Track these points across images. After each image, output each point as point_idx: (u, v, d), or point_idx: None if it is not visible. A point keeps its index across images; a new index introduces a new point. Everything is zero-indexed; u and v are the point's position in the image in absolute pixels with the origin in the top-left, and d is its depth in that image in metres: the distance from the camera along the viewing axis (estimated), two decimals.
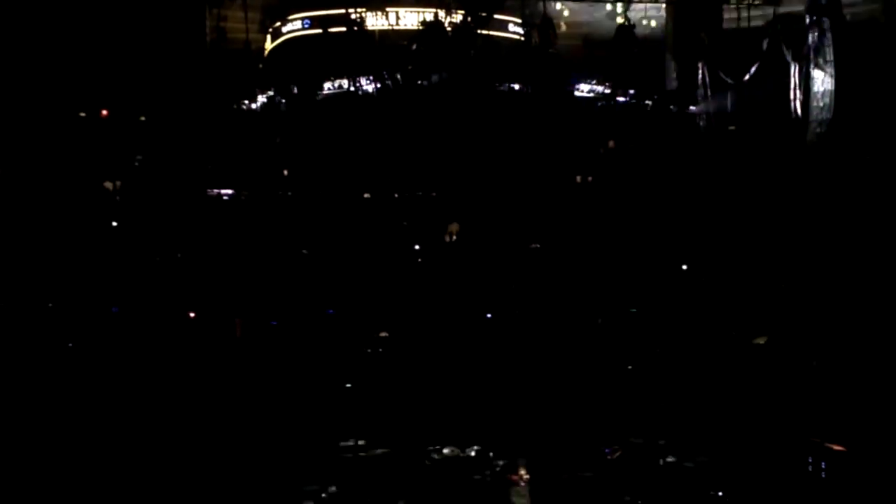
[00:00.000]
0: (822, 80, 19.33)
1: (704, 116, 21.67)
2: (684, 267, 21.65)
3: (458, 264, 21.63)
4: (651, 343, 20.94)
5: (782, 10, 22.76)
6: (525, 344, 21.43)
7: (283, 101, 21.69)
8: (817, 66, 19.24)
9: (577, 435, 18.77)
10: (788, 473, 17.36)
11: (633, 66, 22.19)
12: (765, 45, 20.28)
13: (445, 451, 17.31)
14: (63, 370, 19.54)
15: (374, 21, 25.62)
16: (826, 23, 19.01)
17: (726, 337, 20.68)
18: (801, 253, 19.62)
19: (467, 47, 22.98)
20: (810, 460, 17.16)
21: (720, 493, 17.30)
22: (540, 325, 21.60)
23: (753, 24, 23.51)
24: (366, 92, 21.92)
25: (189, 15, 23.95)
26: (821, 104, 19.56)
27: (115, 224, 22.14)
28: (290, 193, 21.80)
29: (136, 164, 22.29)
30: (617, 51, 22.23)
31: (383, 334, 21.46)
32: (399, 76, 22.07)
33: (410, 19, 25.70)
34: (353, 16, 25.09)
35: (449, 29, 24.75)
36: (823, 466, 16.94)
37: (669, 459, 17.45)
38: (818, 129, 19.65)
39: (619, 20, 23.10)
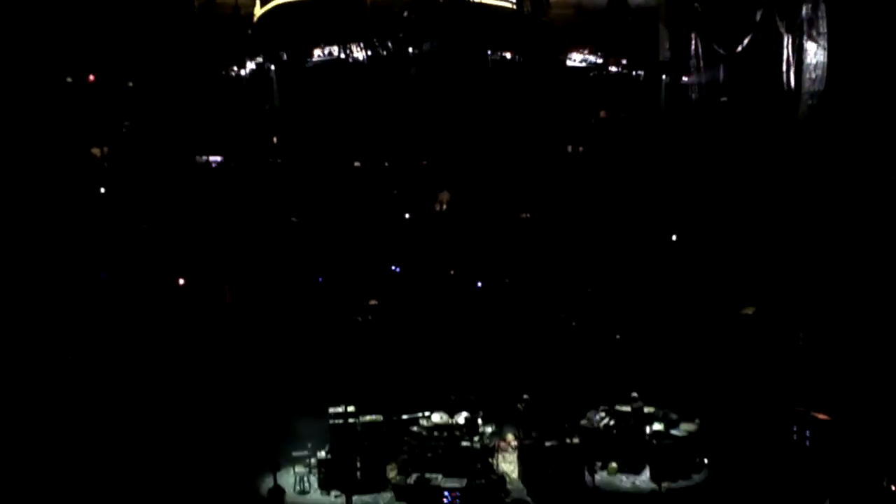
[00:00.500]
0: (814, 53, 19.29)
1: (697, 87, 21.59)
2: (674, 237, 21.70)
3: (449, 233, 21.61)
4: (640, 312, 21.05)
5: None
6: (515, 312, 21.54)
7: (273, 67, 21.44)
8: (810, 37, 19.20)
9: (565, 402, 18.94)
10: (774, 441, 17.61)
11: (626, 35, 22.08)
12: (758, 17, 20.17)
13: (435, 417, 17.43)
14: (51, 336, 19.55)
15: None
16: None
17: (715, 307, 20.80)
18: (791, 225, 19.70)
19: (459, 15, 22.76)
20: (795, 429, 17.42)
21: (706, 460, 17.58)
22: (529, 294, 21.67)
23: None
24: (356, 60, 21.69)
25: None
26: (813, 76, 19.53)
27: (102, 190, 21.97)
28: (279, 161, 21.67)
29: (124, 130, 22.08)
30: (610, 20, 22.08)
31: (373, 302, 21.48)
32: (390, 44, 21.87)
33: None
34: None
35: None
36: (808, 434, 17.21)
37: (657, 427, 17.66)
38: (810, 101, 19.65)
39: None
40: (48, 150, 20.67)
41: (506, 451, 18.16)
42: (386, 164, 21.11)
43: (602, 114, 22.28)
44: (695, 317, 20.72)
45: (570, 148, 22.45)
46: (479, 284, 21.77)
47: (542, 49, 22.18)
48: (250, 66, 21.82)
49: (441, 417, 17.37)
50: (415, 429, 17.28)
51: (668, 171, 21.14)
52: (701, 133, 21.14)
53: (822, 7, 18.98)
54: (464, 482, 15.83)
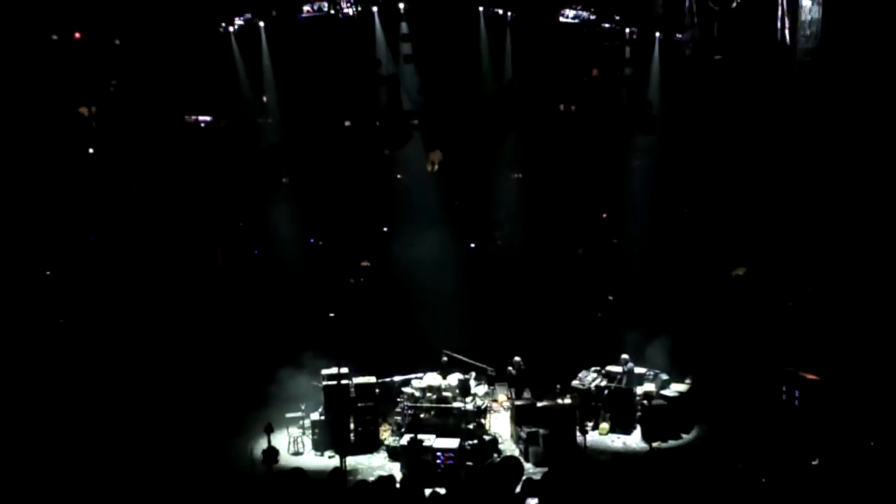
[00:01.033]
0: (809, 9, 19.09)
1: (691, 44, 21.33)
2: (667, 197, 21.64)
3: (440, 193, 21.51)
4: (631, 273, 21.09)
5: None
6: (507, 273, 21.56)
7: (262, 24, 21.07)
8: None
9: (557, 362, 19.07)
10: (764, 401, 17.78)
11: None
12: None
13: (428, 378, 17.50)
14: (41, 298, 19.50)
15: None
16: None
17: (706, 267, 20.86)
18: (784, 185, 19.65)
19: None
20: (784, 388, 17.59)
21: (696, 421, 17.76)
22: (521, 255, 21.66)
23: None
24: (347, 15, 21.34)
25: None
26: (808, 32, 19.36)
27: (91, 150, 21.73)
28: (269, 120, 21.45)
29: (112, 88, 21.77)
30: None
31: (365, 263, 21.46)
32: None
33: None
34: None
35: None
36: (797, 394, 17.38)
37: (647, 388, 17.80)
38: (805, 58, 19.49)
39: None
40: (34, 109, 20.36)
41: (498, 411, 18.33)
42: (377, 123, 20.85)
43: (595, 72, 22.01)
44: (686, 277, 20.79)
45: (562, 106, 22.22)
46: (473, 245, 21.78)
47: (533, 4, 21.83)
48: (239, 22, 21.42)
49: (434, 379, 17.45)
50: (408, 390, 17.36)
51: (661, 130, 20.98)
52: (695, 90, 20.93)
53: None
54: (456, 443, 15.94)
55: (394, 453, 16.64)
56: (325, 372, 17.24)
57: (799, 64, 19.67)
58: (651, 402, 17.32)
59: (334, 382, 16.53)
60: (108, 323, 19.61)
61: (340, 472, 14.44)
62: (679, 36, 21.53)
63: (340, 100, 20.99)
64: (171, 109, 21.72)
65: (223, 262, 22.12)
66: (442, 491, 10.22)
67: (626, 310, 20.01)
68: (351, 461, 16.00)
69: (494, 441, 16.90)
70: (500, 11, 21.63)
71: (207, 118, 22.00)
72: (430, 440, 15.93)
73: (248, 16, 21.50)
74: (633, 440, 17.36)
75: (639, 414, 17.59)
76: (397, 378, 17.97)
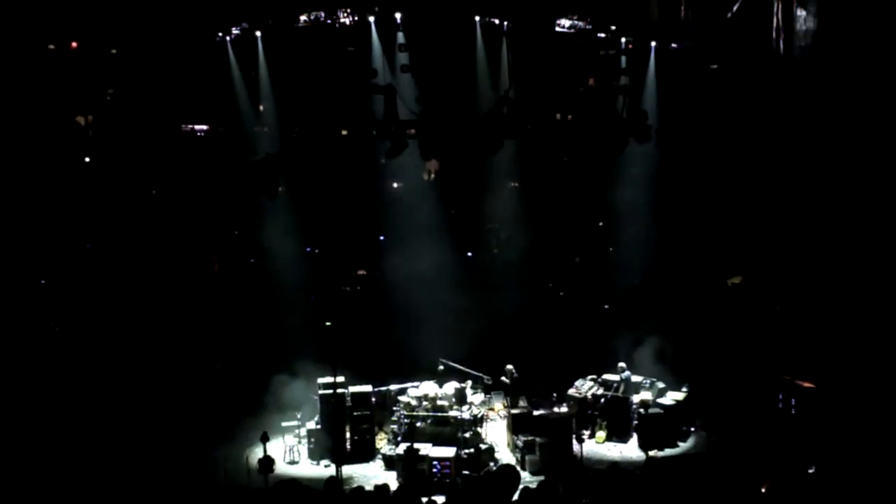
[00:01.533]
0: (804, 19, 19.20)
1: (686, 54, 21.40)
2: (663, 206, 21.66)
3: (437, 202, 21.53)
4: (628, 281, 21.10)
5: None
6: (504, 281, 21.55)
7: (259, 34, 21.11)
8: (800, 4, 19.09)
9: (554, 371, 19.07)
10: (760, 409, 17.78)
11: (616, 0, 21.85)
12: None
13: (424, 387, 17.48)
14: (37, 307, 19.47)
15: None
16: None
17: (703, 276, 20.87)
18: (779, 194, 19.69)
19: None
20: (781, 397, 17.59)
21: (693, 429, 17.75)
22: (518, 263, 21.65)
23: None
24: (343, 25, 21.40)
25: None
26: (802, 43, 19.45)
27: (87, 160, 21.75)
28: (266, 130, 21.47)
29: (108, 98, 21.80)
30: None
31: (361, 272, 21.44)
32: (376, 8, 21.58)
33: None
34: None
35: None
36: (793, 402, 17.38)
37: (644, 396, 17.78)
38: (799, 67, 19.59)
39: None
40: (31, 118, 20.38)
41: (494, 420, 18.31)
42: (374, 132, 20.88)
43: (591, 81, 22.08)
44: (683, 286, 20.80)
45: (558, 115, 22.28)
46: (469, 254, 21.78)
47: (529, 13, 21.90)
48: (235, 31, 21.46)
49: (430, 387, 17.42)
50: (404, 399, 17.33)
51: (657, 139, 21.02)
52: (691, 99, 20.99)
53: None
54: (453, 451, 15.92)
55: (390, 462, 16.60)
56: (321, 381, 17.21)
57: (793, 73, 19.75)
58: (647, 410, 17.30)
59: (330, 391, 16.53)
60: (104, 331, 19.59)
61: (336, 481, 14.47)
62: (675, 45, 21.62)
63: (337, 109, 21.02)
64: (168, 118, 21.76)
65: (219, 270, 22.12)
66: (439, 500, 10.22)
67: (622, 318, 19.98)
68: (347, 470, 15.97)
69: (491, 450, 16.86)
70: (497, 21, 21.70)
71: (204, 127, 22.03)
72: (426, 449, 15.90)
73: (245, 25, 21.54)
74: (630, 449, 17.34)
75: (635, 422, 17.56)
76: (393, 387, 17.95)
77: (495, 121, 17.73)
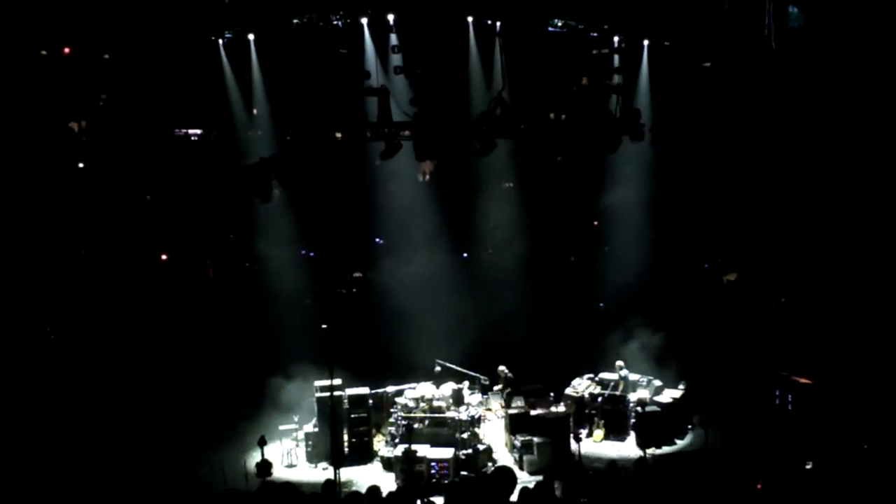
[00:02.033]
0: (795, 17, 19.27)
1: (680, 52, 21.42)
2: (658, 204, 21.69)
3: (432, 203, 21.52)
4: (624, 280, 21.08)
5: None
6: (499, 281, 21.55)
7: (251, 37, 21.08)
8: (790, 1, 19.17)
9: (550, 369, 19.09)
10: (757, 405, 17.82)
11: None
12: None
13: (421, 388, 17.48)
14: (32, 313, 19.43)
15: None
16: None
17: (698, 273, 20.89)
18: (773, 190, 19.74)
19: None
20: (777, 393, 17.64)
21: (690, 426, 17.76)
22: (513, 263, 21.64)
23: None
24: (335, 27, 21.38)
25: None
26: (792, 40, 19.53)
27: (81, 165, 21.72)
28: (259, 133, 21.45)
29: (101, 103, 21.78)
30: None
31: (357, 274, 21.43)
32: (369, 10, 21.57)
33: None
34: None
35: None
36: (790, 398, 17.42)
37: (641, 394, 17.79)
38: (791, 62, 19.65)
39: None
40: (24, 124, 20.34)
41: (491, 420, 18.30)
42: (367, 134, 20.87)
43: (584, 80, 22.10)
44: (678, 283, 20.82)
45: (552, 115, 22.28)
46: (465, 255, 21.77)
47: (523, 14, 21.90)
48: (228, 35, 21.43)
49: (427, 389, 17.42)
50: (401, 400, 17.32)
51: (651, 137, 21.04)
52: (684, 98, 21.02)
53: None
54: (451, 452, 15.92)
55: (388, 464, 16.59)
56: (318, 383, 17.19)
57: (785, 69, 19.80)
58: (645, 408, 17.31)
59: (327, 394, 16.49)
60: (99, 336, 19.56)
61: (333, 484, 14.46)
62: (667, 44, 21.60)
63: (330, 112, 21.00)
64: (161, 123, 21.74)
65: (214, 275, 22.11)
66: (437, 501, 10.21)
67: (618, 316, 19.98)
68: (345, 473, 15.95)
69: (489, 450, 16.86)
70: (489, 21, 21.69)
71: (197, 131, 22.02)
72: (424, 450, 15.89)
73: (238, 28, 21.51)
74: (628, 447, 17.34)
75: (633, 421, 17.57)
76: (390, 388, 17.93)
77: (489, 121, 17.72)
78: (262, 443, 14.75)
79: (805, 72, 19.73)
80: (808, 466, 13.82)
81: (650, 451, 16.61)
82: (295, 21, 21.37)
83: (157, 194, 21.50)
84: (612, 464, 14.84)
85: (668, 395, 17.85)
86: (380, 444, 17.55)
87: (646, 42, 21.20)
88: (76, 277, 20.23)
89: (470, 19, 20.86)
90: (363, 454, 17.21)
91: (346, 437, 17.21)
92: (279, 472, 16.01)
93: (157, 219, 21.06)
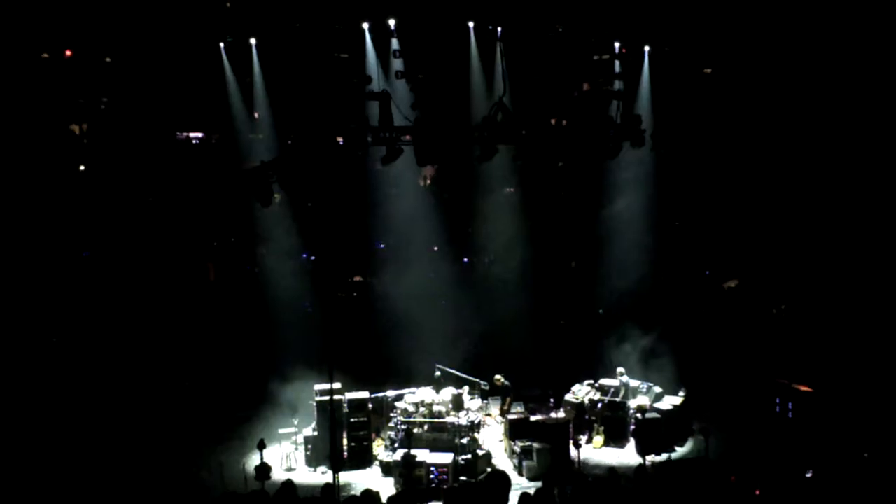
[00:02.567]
0: None
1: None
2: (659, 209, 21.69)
3: (433, 208, 21.53)
4: (624, 286, 21.07)
5: None
6: (500, 286, 21.55)
7: (253, 41, 21.10)
8: None
9: (550, 375, 19.06)
10: (757, 412, 17.79)
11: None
12: None
13: (421, 393, 17.45)
14: (33, 315, 19.43)
15: None
16: None
17: (699, 280, 20.87)
18: (774, 198, 19.74)
19: None
20: (778, 400, 17.60)
21: (690, 433, 17.73)
22: (514, 267, 21.64)
23: None
24: (336, 30, 21.40)
25: None
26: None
27: (82, 168, 21.75)
28: (261, 136, 21.45)
29: (103, 106, 21.80)
30: None
31: (357, 278, 21.41)
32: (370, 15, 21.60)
33: None
34: None
35: None
36: (790, 406, 17.38)
37: (641, 401, 17.76)
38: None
39: None
40: (26, 127, 20.37)
41: (491, 426, 18.27)
42: (369, 139, 20.89)
43: (585, 86, 22.11)
44: (679, 289, 20.79)
45: (553, 120, 22.29)
46: (465, 260, 21.76)
47: (524, 19, 21.91)
48: (229, 38, 21.45)
49: (427, 393, 17.39)
50: (401, 405, 17.30)
51: (652, 143, 21.06)
52: (684, 104, 21.03)
53: None
54: (450, 458, 15.89)
55: (387, 469, 16.56)
56: (317, 387, 17.17)
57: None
58: (645, 415, 17.28)
59: (327, 398, 16.46)
60: (101, 339, 19.56)
61: (332, 488, 14.43)
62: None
63: (332, 116, 21.00)
64: (163, 126, 21.76)
65: (215, 278, 22.10)
66: None
67: (618, 322, 19.95)
68: (344, 477, 15.93)
69: (488, 456, 16.83)
70: (491, 26, 21.71)
71: (199, 135, 22.03)
72: (423, 455, 15.86)
73: (240, 32, 21.53)
74: (628, 454, 17.31)
75: (632, 427, 17.54)
76: (390, 393, 17.91)
77: (490, 126, 17.74)
78: (262, 446, 14.75)
79: (806, 78, 19.76)
80: (808, 475, 13.80)
81: (650, 458, 16.61)
82: (297, 25, 21.42)
83: (158, 197, 21.51)
84: (612, 471, 14.86)
85: (669, 402, 17.79)
86: (379, 449, 17.52)
87: (647, 48, 21.23)
88: (77, 279, 20.24)
89: (471, 24, 20.88)
90: (362, 458, 17.17)
91: (345, 442, 17.17)
92: (278, 476, 15.97)
93: (158, 222, 21.04)
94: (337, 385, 16.58)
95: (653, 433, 17.02)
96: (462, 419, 16.78)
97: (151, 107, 21.19)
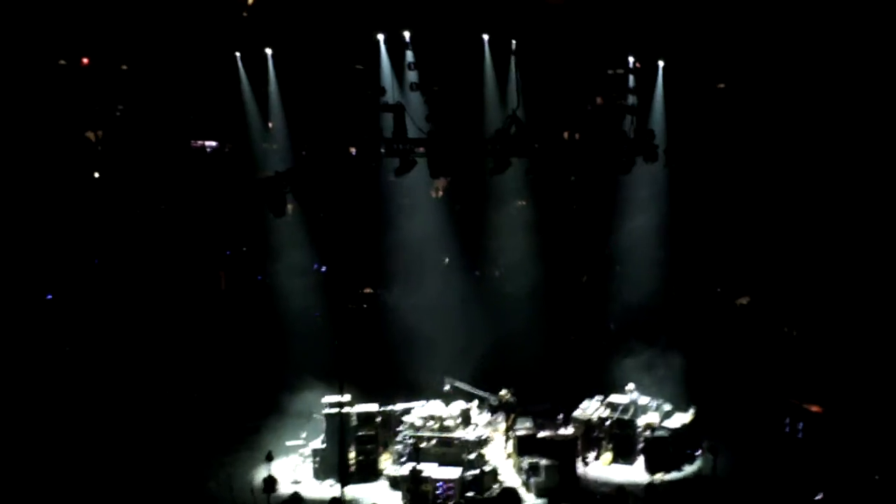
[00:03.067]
0: None
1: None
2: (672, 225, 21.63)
3: (445, 220, 21.54)
4: (635, 301, 21.01)
5: None
6: (511, 299, 21.52)
7: (269, 51, 21.19)
8: None
9: (559, 391, 19.01)
10: (767, 432, 17.68)
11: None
12: None
13: (430, 407, 17.45)
14: (47, 322, 19.54)
15: None
16: None
17: (711, 296, 20.77)
18: (786, 216, 19.66)
19: None
20: (788, 421, 17.50)
21: (698, 452, 17.64)
22: (526, 281, 21.61)
23: None
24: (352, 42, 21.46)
25: None
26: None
27: (96, 175, 21.89)
28: (275, 146, 21.53)
29: (118, 114, 21.94)
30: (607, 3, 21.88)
31: (368, 290, 21.43)
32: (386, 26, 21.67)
33: None
34: None
35: None
36: (801, 427, 17.28)
37: (651, 418, 17.69)
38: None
39: None
40: (42, 133, 20.52)
41: (499, 441, 18.22)
42: (382, 150, 20.95)
43: (599, 100, 22.09)
44: (691, 306, 20.71)
45: (566, 134, 22.29)
46: (477, 273, 21.75)
47: (539, 33, 21.91)
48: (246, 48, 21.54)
49: (436, 407, 17.38)
50: (409, 418, 17.28)
51: (665, 159, 21.03)
52: (698, 119, 20.98)
53: None
54: (458, 472, 15.86)
55: (395, 483, 16.54)
56: (326, 399, 17.18)
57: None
58: (654, 432, 17.20)
59: (336, 410, 16.49)
60: (112, 347, 19.64)
61: (339, 501, 14.45)
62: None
63: (346, 127, 21.06)
64: (178, 134, 21.88)
65: (226, 287, 22.17)
66: None
67: (629, 338, 19.89)
68: (351, 490, 15.93)
69: (495, 472, 16.77)
70: (505, 39, 21.74)
71: (213, 143, 22.14)
72: (430, 470, 15.84)
73: (256, 42, 21.63)
74: (636, 471, 17.22)
75: (641, 445, 17.45)
76: (399, 406, 17.88)
77: (503, 139, 17.75)
78: (269, 458, 14.79)
79: (820, 94, 19.69)
80: (818, 497, 13.72)
81: (658, 475, 16.57)
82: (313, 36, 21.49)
83: (171, 205, 21.61)
84: (620, 489, 14.83)
85: (678, 420, 17.70)
86: (386, 463, 17.50)
87: (661, 63, 21.19)
88: (89, 287, 20.34)
89: (486, 37, 20.91)
90: (370, 472, 17.15)
91: (353, 455, 17.16)
92: (285, 488, 16.02)
93: (171, 229, 21.14)
94: (346, 397, 16.59)
95: (662, 451, 16.94)
96: (470, 434, 16.75)
97: (166, 115, 21.32)
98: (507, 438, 17.52)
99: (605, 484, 16.41)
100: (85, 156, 21.65)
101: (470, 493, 15.53)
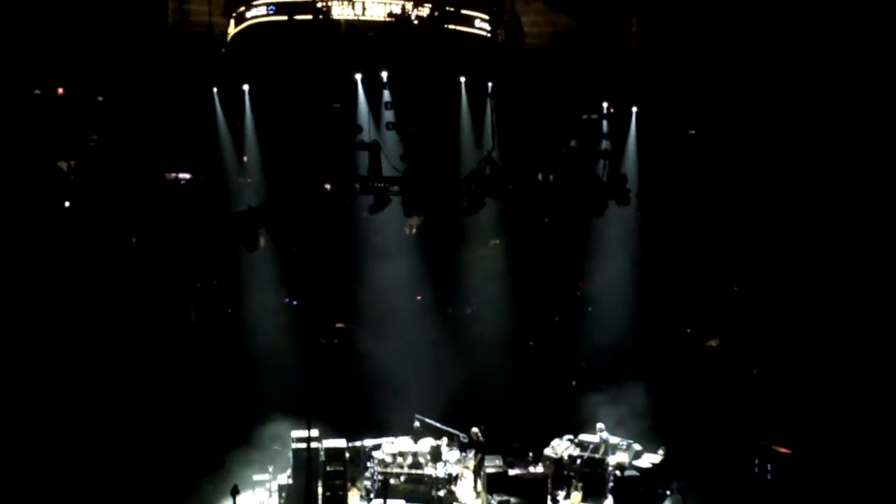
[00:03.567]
0: None
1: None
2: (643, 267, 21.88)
3: (417, 257, 21.59)
4: (606, 342, 21.10)
5: None
6: (482, 338, 21.54)
7: (246, 87, 21.31)
8: None
9: (529, 429, 18.95)
10: (737, 474, 17.72)
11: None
12: None
13: (399, 443, 17.30)
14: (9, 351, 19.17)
15: (341, 11, 25.44)
16: None
17: (680, 338, 20.93)
18: (757, 255, 19.97)
19: (433, 41, 22.89)
20: (757, 462, 17.56)
21: (667, 492, 17.61)
22: (497, 320, 21.65)
23: None
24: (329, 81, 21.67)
25: None
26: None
27: (67, 205, 21.71)
28: (249, 181, 21.53)
29: (92, 144, 21.88)
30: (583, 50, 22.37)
31: (339, 325, 21.33)
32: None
33: (377, 10, 25.59)
34: (319, 4, 24.89)
35: (416, 22, 24.69)
36: (769, 468, 17.34)
37: (621, 458, 17.67)
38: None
39: None
40: (14, 162, 20.38)
41: (468, 479, 18.06)
42: (357, 187, 21.06)
43: (573, 143, 22.45)
44: (660, 347, 20.84)
45: (540, 176, 22.57)
46: (449, 310, 21.76)
47: (515, 76, 22.29)
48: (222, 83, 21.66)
49: (405, 444, 17.23)
50: (378, 454, 17.10)
51: (637, 203, 21.36)
52: (669, 164, 21.37)
53: None
54: None
55: None
56: (294, 434, 16.94)
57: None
58: (624, 472, 17.16)
59: (304, 445, 16.25)
60: (79, 378, 19.28)
61: None
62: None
63: (321, 163, 21.16)
64: (151, 166, 21.82)
65: (196, 320, 21.94)
66: None
67: (599, 378, 19.94)
68: None
69: None
70: (482, 82, 22.08)
71: (187, 176, 22.10)
72: None
73: (233, 79, 21.76)
74: None
75: (611, 485, 17.39)
76: (368, 442, 17.69)
77: (478, 180, 17.95)
78: (235, 492, 14.51)
79: (788, 142, 20.16)
80: None
81: None
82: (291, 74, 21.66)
83: (143, 236, 21.45)
84: None
85: (648, 460, 17.68)
86: (354, 499, 17.23)
87: (634, 109, 21.63)
88: (55, 316, 20.03)
89: (463, 79, 21.23)
90: None
91: (320, 490, 16.88)
92: None
93: (141, 261, 20.95)
94: (314, 432, 16.38)
95: (631, 491, 16.88)
96: (440, 471, 16.61)
97: (141, 146, 21.28)
98: (477, 476, 17.35)
99: None
100: (56, 185, 21.49)
101: None
